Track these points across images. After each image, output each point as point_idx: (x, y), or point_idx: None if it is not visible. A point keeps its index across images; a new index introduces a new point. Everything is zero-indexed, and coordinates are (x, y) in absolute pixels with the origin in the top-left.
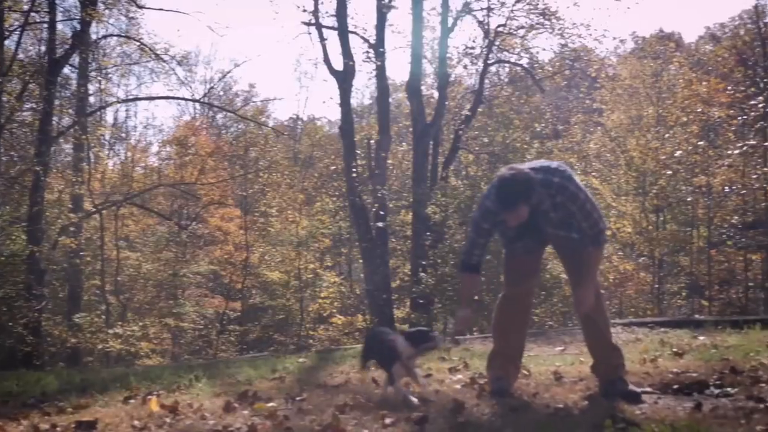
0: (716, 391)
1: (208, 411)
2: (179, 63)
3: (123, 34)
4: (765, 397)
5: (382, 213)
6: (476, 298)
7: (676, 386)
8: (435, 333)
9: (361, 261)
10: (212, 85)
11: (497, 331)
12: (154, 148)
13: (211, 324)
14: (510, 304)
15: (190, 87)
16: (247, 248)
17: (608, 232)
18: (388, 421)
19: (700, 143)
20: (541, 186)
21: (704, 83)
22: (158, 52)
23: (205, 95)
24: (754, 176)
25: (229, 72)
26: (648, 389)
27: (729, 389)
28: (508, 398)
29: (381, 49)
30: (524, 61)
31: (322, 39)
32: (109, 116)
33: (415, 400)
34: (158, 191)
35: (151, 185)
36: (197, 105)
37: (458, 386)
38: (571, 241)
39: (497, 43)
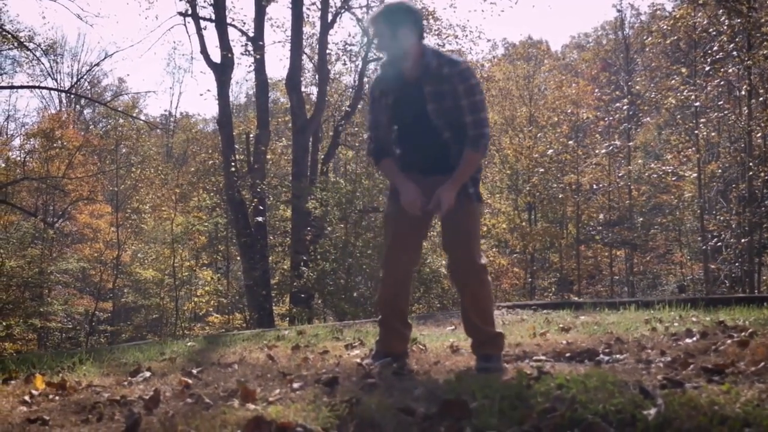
0: (606, 358)
1: (99, 386)
2: (45, 52)
3: None
4: (653, 360)
5: (261, 208)
6: None
7: (568, 354)
8: None
9: (239, 258)
10: (81, 75)
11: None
12: (17, 142)
13: (79, 325)
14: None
15: (56, 79)
16: (119, 246)
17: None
18: (296, 385)
19: (569, 143)
20: (436, 56)
21: (573, 86)
22: (22, 40)
23: (72, 86)
24: (619, 175)
25: (99, 63)
26: (542, 357)
27: (618, 356)
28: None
29: (260, 42)
30: None
31: (200, 29)
32: None
33: None
34: (22, 185)
35: (14, 179)
36: (63, 98)
37: (357, 360)
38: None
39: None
